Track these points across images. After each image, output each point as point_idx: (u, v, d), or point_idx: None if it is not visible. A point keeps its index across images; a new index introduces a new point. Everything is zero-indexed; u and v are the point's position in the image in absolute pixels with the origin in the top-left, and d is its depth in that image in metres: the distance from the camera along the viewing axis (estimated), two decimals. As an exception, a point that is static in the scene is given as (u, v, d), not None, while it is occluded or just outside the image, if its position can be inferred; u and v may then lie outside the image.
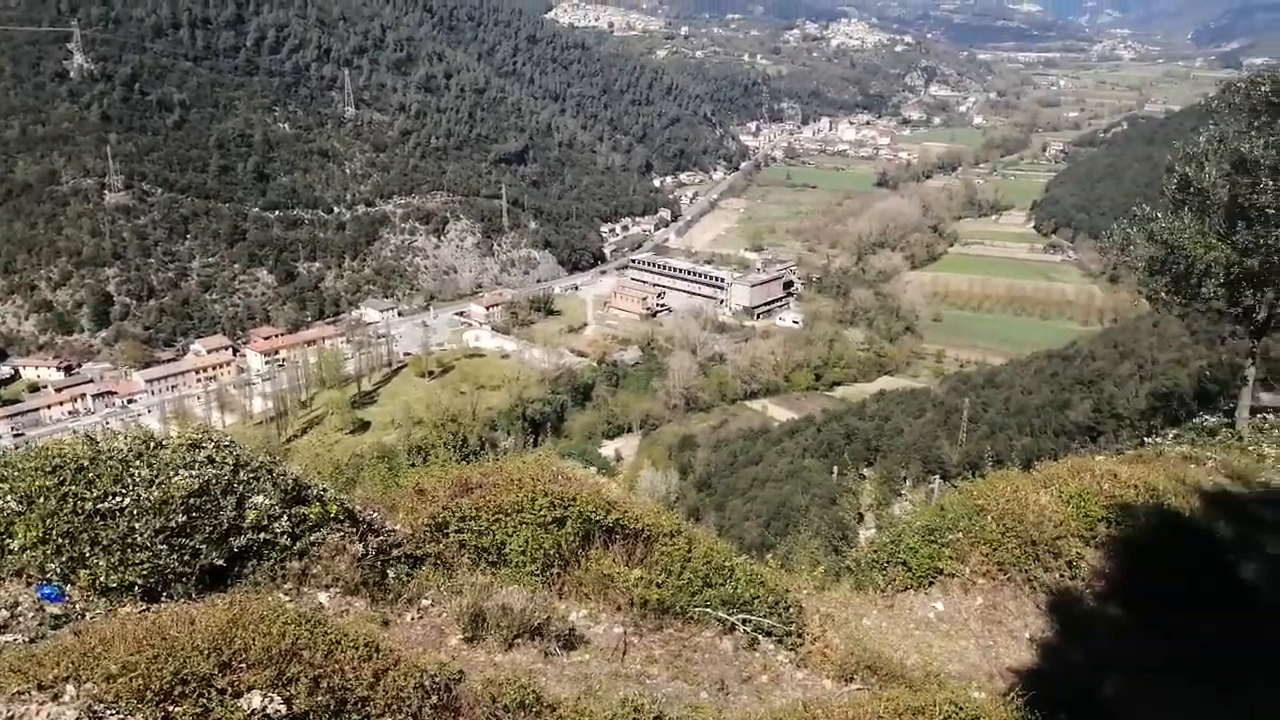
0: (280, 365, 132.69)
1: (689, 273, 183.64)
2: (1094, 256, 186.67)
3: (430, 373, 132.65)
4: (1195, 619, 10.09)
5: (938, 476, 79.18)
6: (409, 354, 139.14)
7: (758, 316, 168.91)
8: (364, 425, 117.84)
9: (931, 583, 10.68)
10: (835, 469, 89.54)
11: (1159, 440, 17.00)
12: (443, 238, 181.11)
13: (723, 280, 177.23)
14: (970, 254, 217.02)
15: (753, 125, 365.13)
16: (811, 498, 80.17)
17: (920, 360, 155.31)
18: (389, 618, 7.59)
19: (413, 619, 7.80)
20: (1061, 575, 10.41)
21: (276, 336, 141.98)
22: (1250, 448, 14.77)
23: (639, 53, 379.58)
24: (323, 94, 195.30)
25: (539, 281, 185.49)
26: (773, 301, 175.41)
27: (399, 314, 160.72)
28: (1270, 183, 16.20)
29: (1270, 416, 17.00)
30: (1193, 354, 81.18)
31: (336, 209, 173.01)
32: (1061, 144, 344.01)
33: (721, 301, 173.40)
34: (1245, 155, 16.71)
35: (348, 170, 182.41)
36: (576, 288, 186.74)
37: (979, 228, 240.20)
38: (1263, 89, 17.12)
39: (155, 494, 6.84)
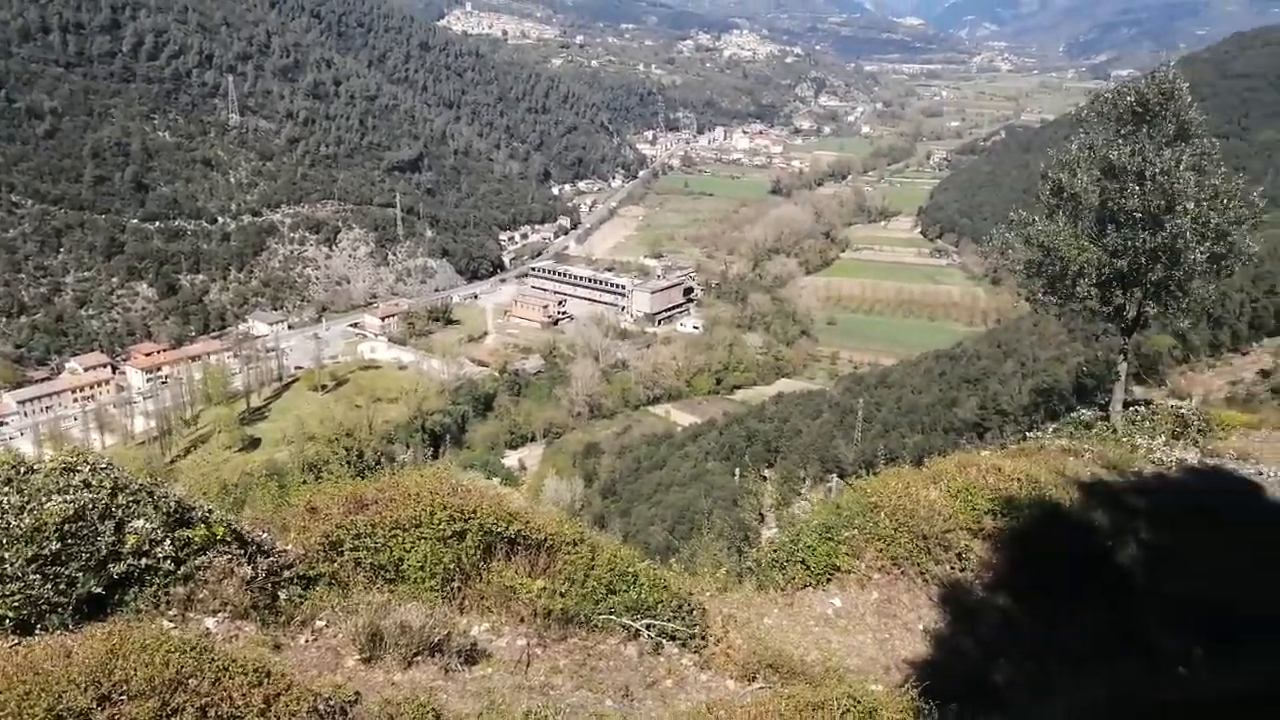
0: (163, 382, 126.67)
1: (590, 280, 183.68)
2: (977, 260, 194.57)
3: (323, 386, 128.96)
4: (1078, 605, 10.59)
5: (835, 475, 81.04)
6: (300, 367, 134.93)
7: (659, 323, 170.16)
8: (254, 442, 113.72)
9: (829, 579, 10.91)
10: (737, 471, 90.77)
11: (1040, 434, 17.77)
12: (334, 247, 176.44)
13: (624, 287, 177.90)
14: (861, 259, 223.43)
15: (649, 134, 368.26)
16: (714, 500, 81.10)
17: (816, 363, 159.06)
18: (281, 641, 7.34)
19: (306, 641, 7.56)
20: (952, 567, 10.78)
21: (159, 352, 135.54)
22: (1124, 439, 15.57)
23: (534, 61, 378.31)
24: (205, 101, 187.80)
25: (436, 291, 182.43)
26: (673, 308, 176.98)
27: (289, 326, 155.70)
28: (1136, 188, 17.07)
29: (1142, 409, 17.95)
30: (1070, 351, 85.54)
31: (221, 219, 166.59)
32: (945, 152, 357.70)
33: (623, 308, 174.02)
34: (1113, 162, 17.57)
35: (232, 179, 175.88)
36: (476, 296, 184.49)
37: (869, 233, 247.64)
38: (1128, 99, 18.01)
39: (26, 521, 6.47)
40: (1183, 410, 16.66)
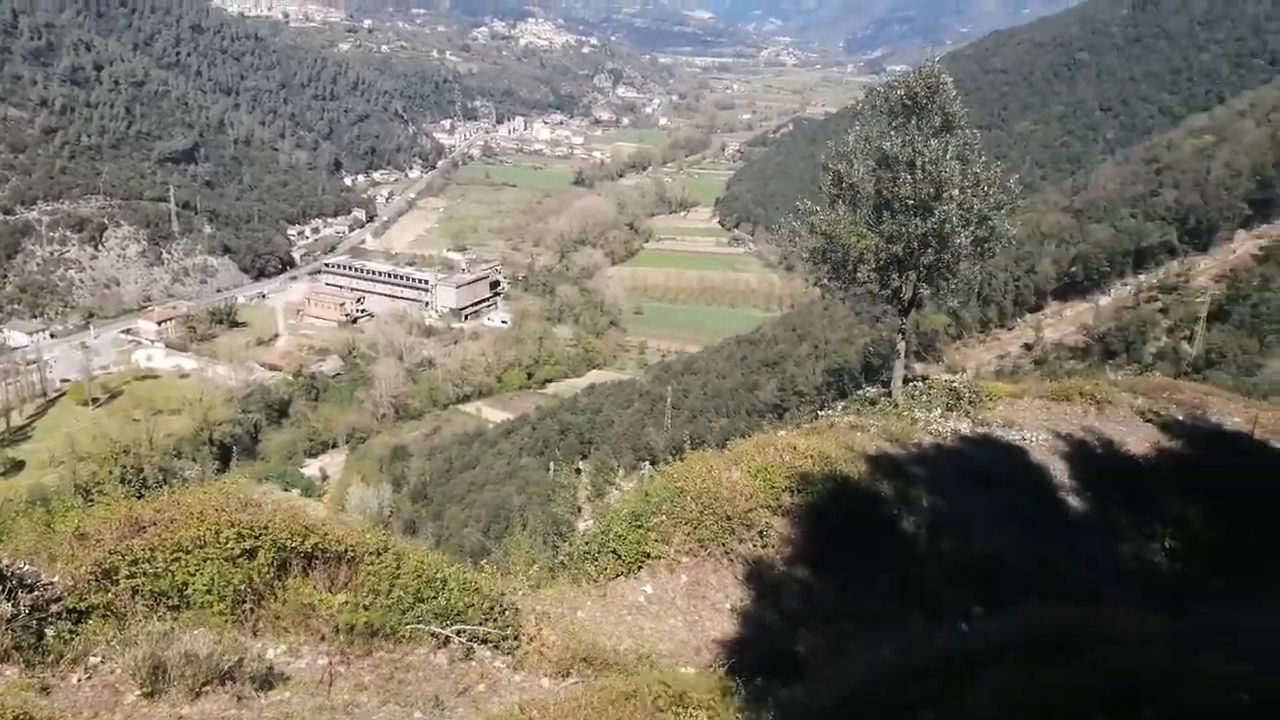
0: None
1: (390, 275, 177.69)
2: (771, 248, 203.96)
3: (95, 400, 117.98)
4: (870, 572, 11.25)
5: (647, 463, 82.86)
6: (68, 380, 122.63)
7: (466, 318, 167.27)
8: (17, 466, 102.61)
9: (640, 567, 11.03)
10: (551, 465, 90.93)
11: (831, 412, 18.72)
12: (101, 247, 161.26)
13: (427, 282, 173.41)
14: (664, 249, 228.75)
15: (447, 123, 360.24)
16: (529, 496, 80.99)
17: (626, 353, 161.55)
18: (50, 682, 6.82)
19: (80, 680, 7.00)
20: (755, 545, 11.17)
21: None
22: (905, 413, 16.64)
23: (320, 45, 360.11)
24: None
25: (219, 291, 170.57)
26: (480, 302, 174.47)
27: (52, 335, 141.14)
28: (908, 176, 18.13)
29: (920, 384, 19.22)
30: (858, 333, 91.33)
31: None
32: (738, 144, 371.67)
33: (427, 304, 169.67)
34: (886, 152, 18.61)
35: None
36: (264, 296, 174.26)
37: (671, 224, 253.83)
38: (898, 93, 19.06)
39: None
40: (955, 384, 18.00)
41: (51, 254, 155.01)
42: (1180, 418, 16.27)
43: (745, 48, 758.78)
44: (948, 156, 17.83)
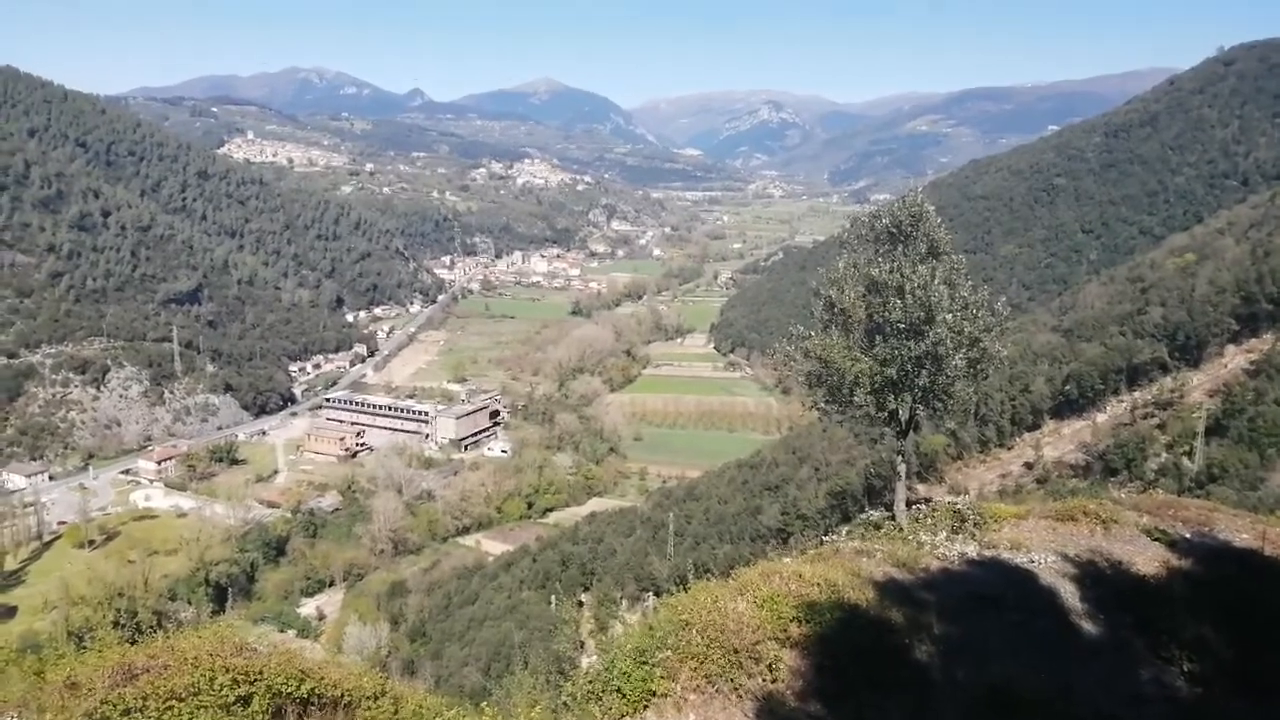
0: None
1: (390, 408, 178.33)
2: (768, 372, 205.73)
3: (91, 542, 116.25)
4: (883, 703, 10.89)
5: (651, 593, 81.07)
6: (64, 522, 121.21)
7: (466, 448, 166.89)
8: (9, 611, 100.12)
9: (646, 706, 10.68)
10: (553, 599, 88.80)
11: (835, 537, 18.52)
12: (103, 388, 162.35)
13: (426, 414, 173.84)
14: (662, 375, 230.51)
15: (447, 259, 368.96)
16: (530, 632, 78.73)
17: (626, 479, 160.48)
18: None
19: None
20: (764, 680, 10.84)
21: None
22: (910, 537, 16.46)
23: (323, 189, 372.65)
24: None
25: (220, 429, 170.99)
26: (480, 432, 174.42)
27: (51, 477, 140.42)
28: (897, 301, 18.51)
29: (923, 507, 19.08)
30: (859, 454, 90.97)
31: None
32: (730, 272, 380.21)
33: (427, 436, 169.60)
34: (875, 278, 19.05)
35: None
36: (265, 433, 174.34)
37: (667, 350, 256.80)
38: (884, 221, 19.68)
39: None
40: (959, 506, 17.84)
41: (54, 396, 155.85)
42: (1187, 536, 16.11)
43: (734, 181, 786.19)
44: (936, 282, 18.22)
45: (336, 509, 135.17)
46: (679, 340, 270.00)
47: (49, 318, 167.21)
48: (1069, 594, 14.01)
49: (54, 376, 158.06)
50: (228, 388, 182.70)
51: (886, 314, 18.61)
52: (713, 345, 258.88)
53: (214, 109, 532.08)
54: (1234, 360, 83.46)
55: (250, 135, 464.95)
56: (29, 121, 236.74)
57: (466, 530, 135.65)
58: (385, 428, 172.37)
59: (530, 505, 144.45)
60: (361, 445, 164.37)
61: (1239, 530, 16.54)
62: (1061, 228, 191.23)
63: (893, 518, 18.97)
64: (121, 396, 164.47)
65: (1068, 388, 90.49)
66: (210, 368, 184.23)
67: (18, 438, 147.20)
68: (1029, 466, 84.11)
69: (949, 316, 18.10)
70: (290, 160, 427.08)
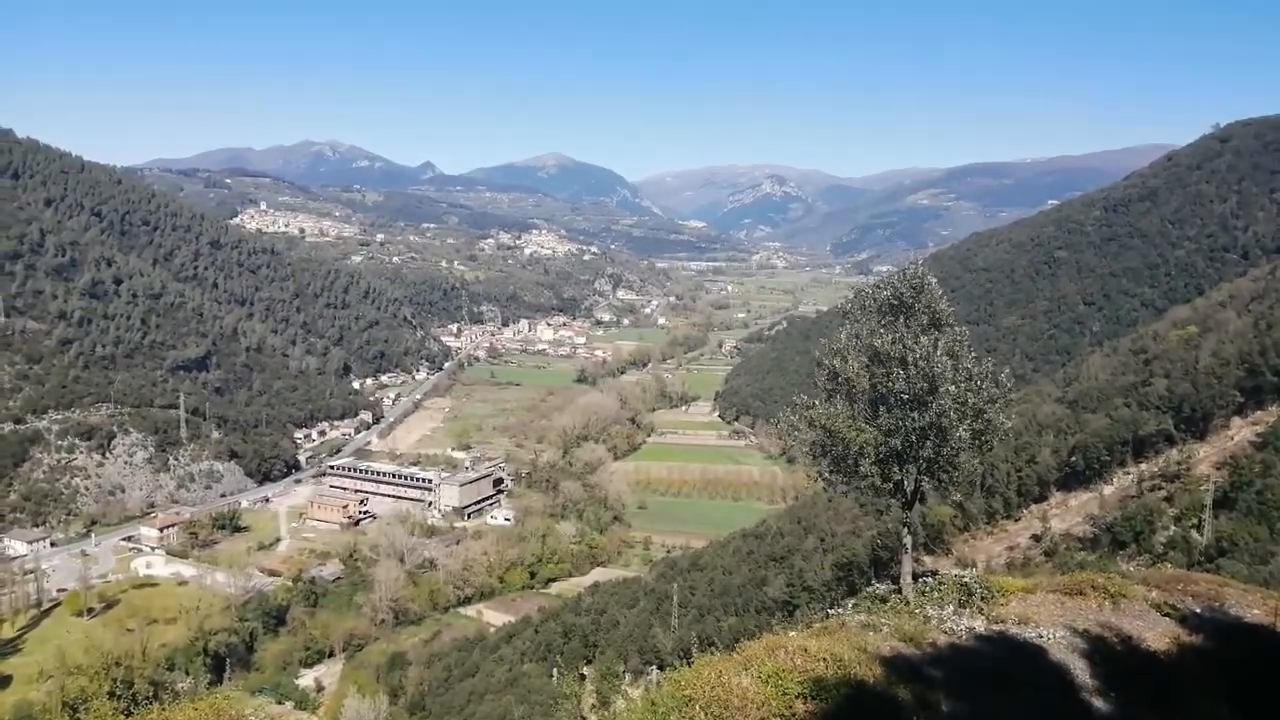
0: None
1: (394, 476, 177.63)
2: (773, 440, 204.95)
3: (90, 610, 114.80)
4: (890, 783, 10.69)
5: (654, 667, 79.52)
6: (64, 589, 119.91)
7: (469, 516, 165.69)
8: (4, 681, 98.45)
9: (651, 784, 10.50)
10: (555, 671, 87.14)
11: (841, 610, 18.28)
12: (108, 454, 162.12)
13: (430, 481, 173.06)
14: (666, 443, 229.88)
15: (454, 327, 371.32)
16: (531, 706, 77.17)
17: (630, 548, 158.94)
18: None
19: None
20: (770, 759, 10.66)
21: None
22: (917, 611, 16.27)
23: (334, 258, 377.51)
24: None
25: (223, 496, 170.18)
26: (483, 500, 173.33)
27: (52, 544, 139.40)
28: (900, 372, 18.59)
29: (930, 580, 18.87)
30: (864, 525, 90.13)
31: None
32: (734, 341, 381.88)
33: (430, 503, 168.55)
34: (878, 349, 19.16)
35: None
36: (268, 500, 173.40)
37: (672, 418, 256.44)
38: (885, 293, 19.83)
39: None
40: (967, 580, 17.66)
41: (58, 461, 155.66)
42: (1198, 611, 15.92)
43: (738, 252, 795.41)
44: (939, 353, 18.33)
45: (338, 578, 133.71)
46: (684, 408, 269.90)
47: (57, 384, 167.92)
48: (1079, 670, 13.82)
49: (60, 442, 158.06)
50: (233, 454, 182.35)
51: (890, 384, 18.66)
52: (717, 413, 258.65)
53: (228, 180, 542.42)
54: (1240, 433, 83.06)
55: (263, 206, 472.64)
56: (46, 191, 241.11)
57: (468, 600, 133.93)
58: (389, 495, 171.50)
59: (533, 575, 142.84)
60: (365, 513, 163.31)
61: (1250, 606, 16.36)
62: (1063, 299, 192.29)
63: (899, 591, 18.77)
64: (126, 463, 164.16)
65: (1074, 459, 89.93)
66: (216, 434, 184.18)
67: (21, 503, 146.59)
68: (1036, 539, 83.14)
69: (953, 388, 18.17)
70: (302, 230, 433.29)
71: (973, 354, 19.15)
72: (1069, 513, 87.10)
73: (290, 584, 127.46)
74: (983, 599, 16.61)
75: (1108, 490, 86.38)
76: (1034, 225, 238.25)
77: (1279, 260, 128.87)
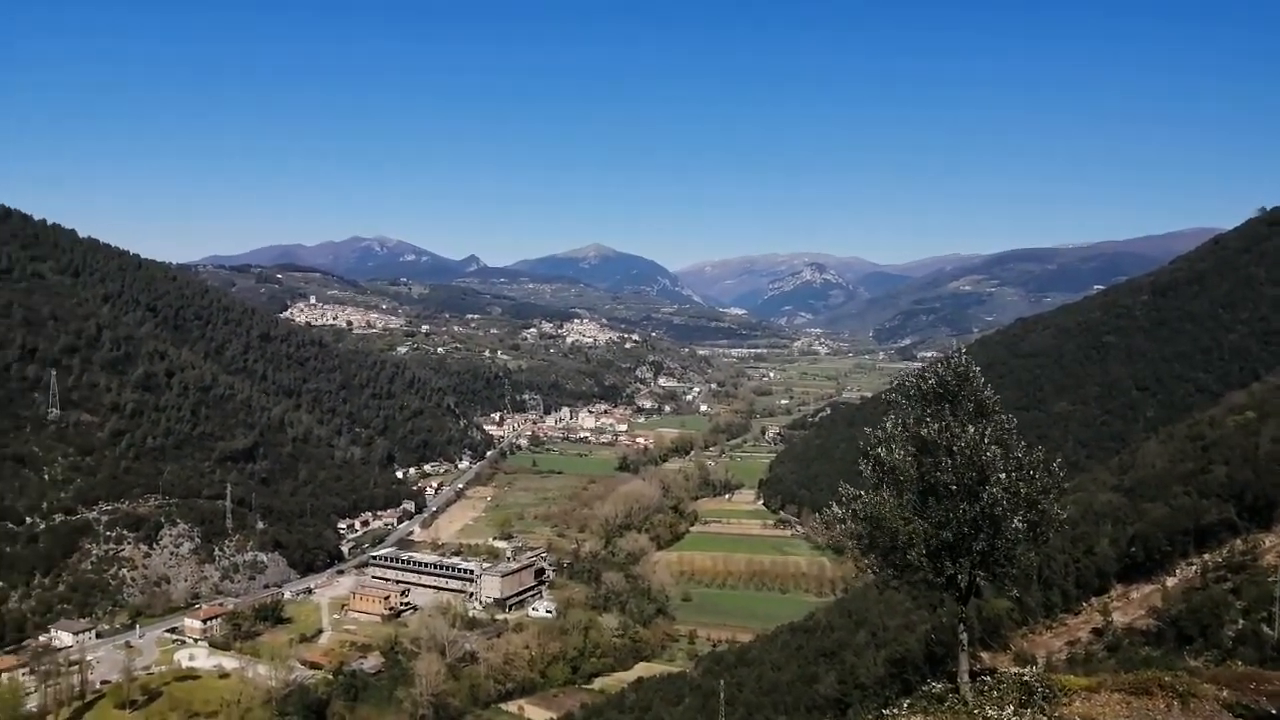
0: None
1: (435, 566, 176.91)
2: (820, 530, 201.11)
3: (132, 702, 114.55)
4: None
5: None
6: (107, 681, 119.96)
7: (510, 608, 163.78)
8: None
9: None
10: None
11: (895, 710, 17.67)
12: (155, 545, 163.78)
13: (472, 572, 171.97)
14: (710, 532, 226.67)
15: (496, 415, 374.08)
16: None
17: (675, 642, 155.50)
18: None
19: None
20: None
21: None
22: (976, 711, 15.69)
23: (379, 349, 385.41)
24: (23, 395, 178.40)
25: (267, 587, 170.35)
26: (525, 591, 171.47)
27: (98, 635, 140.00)
28: (949, 461, 18.29)
29: (988, 678, 18.22)
30: (918, 619, 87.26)
31: (29, 519, 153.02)
32: (777, 428, 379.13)
33: (471, 594, 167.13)
34: (924, 438, 18.89)
35: (46, 476, 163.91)
36: (311, 591, 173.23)
37: (715, 506, 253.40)
38: (930, 381, 19.66)
39: None
40: (1027, 678, 17.04)
41: (106, 552, 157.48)
42: (1273, 711, 15.15)
43: (779, 339, 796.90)
44: (987, 441, 18.04)
45: (379, 670, 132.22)
46: (727, 496, 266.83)
47: (108, 475, 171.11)
48: (1150, 777, 13.18)
49: (108, 533, 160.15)
50: (277, 545, 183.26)
51: (938, 474, 18.37)
52: (762, 501, 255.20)
53: (279, 275, 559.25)
54: (1308, 521, 79.83)
55: (312, 299, 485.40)
56: (104, 288, 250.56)
57: (509, 695, 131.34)
58: (430, 586, 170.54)
59: (575, 669, 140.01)
60: (406, 604, 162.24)
61: (1330, 708, 15.53)
62: (1115, 385, 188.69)
63: (956, 689, 18.12)
64: (172, 554, 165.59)
65: (1133, 550, 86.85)
66: (260, 525, 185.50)
67: (69, 594, 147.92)
68: (1098, 633, 79.82)
69: (1003, 476, 17.83)
70: (350, 323, 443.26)
71: (1023, 442, 18.80)
72: (1130, 605, 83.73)
73: (331, 677, 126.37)
74: (1045, 698, 16.01)
75: (1170, 582, 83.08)
76: (1081, 310, 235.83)
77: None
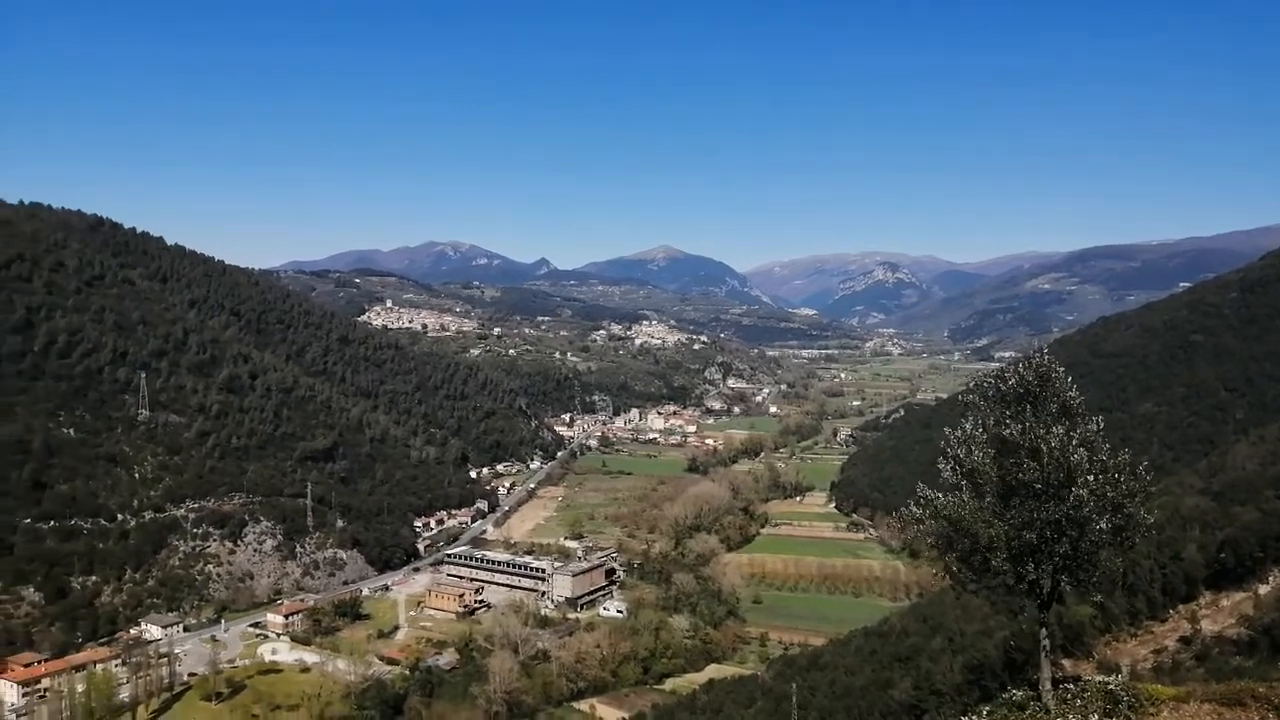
0: (41, 697, 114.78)
1: (508, 565, 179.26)
2: (893, 533, 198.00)
3: (219, 694, 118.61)
4: None
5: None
6: (194, 674, 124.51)
7: (581, 607, 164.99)
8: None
9: None
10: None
11: (975, 718, 17.46)
12: (239, 542, 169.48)
13: (544, 571, 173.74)
14: (781, 534, 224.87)
15: (566, 416, 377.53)
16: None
17: (746, 645, 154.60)
18: None
19: None
20: None
21: (39, 663, 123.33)
22: (1058, 719, 15.44)
23: (453, 351, 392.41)
24: (115, 397, 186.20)
25: (346, 583, 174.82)
26: (596, 590, 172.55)
27: (185, 629, 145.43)
28: (1032, 463, 17.96)
29: (1071, 686, 17.88)
30: (996, 625, 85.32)
31: (121, 516, 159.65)
32: (849, 429, 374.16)
33: (543, 593, 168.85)
34: (1006, 439, 18.55)
35: (137, 475, 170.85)
36: (388, 588, 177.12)
37: (786, 508, 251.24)
38: (1010, 381, 19.28)
39: None
40: (1111, 686, 16.68)
41: (193, 549, 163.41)
42: (1379, 726, 14.57)
43: (850, 339, 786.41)
44: (1074, 443, 17.70)
45: (454, 667, 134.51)
46: (798, 498, 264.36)
47: (195, 474, 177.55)
48: (1245, 790, 12.83)
49: (195, 530, 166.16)
50: (355, 543, 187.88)
51: (1020, 475, 18.08)
52: (833, 504, 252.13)
53: (357, 280, 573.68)
54: None
55: (389, 303, 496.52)
56: (190, 293, 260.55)
57: (581, 694, 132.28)
58: (503, 584, 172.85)
59: (646, 670, 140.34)
60: (480, 602, 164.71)
61: None
62: (1202, 385, 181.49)
63: (1038, 697, 17.82)
64: (256, 550, 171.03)
65: (1223, 555, 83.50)
66: (340, 523, 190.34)
67: (158, 589, 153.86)
68: (1186, 641, 76.99)
69: (1091, 479, 17.49)
70: (424, 326, 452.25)
71: (1108, 445, 18.38)
72: (1220, 613, 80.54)
73: (408, 673, 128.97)
74: (1130, 708, 15.68)
75: (1263, 589, 79.67)
76: (1166, 308, 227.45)
77: None
